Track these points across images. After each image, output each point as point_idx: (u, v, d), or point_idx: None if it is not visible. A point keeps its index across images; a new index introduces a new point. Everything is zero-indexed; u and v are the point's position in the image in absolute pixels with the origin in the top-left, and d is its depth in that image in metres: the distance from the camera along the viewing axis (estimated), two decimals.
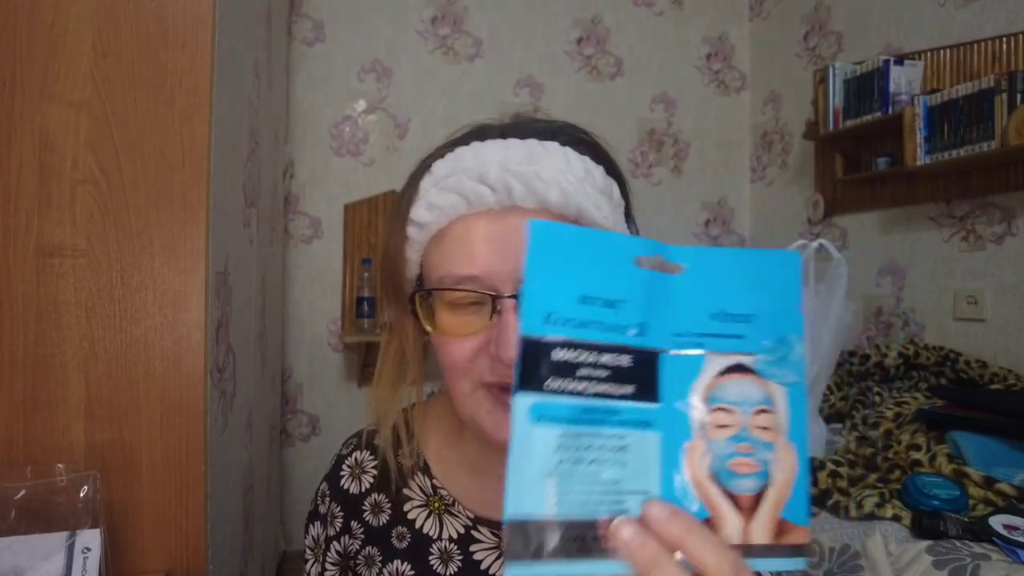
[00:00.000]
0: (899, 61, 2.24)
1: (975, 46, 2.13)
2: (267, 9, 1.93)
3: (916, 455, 1.44)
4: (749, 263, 0.37)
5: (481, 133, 0.56)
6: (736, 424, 0.35)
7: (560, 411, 0.33)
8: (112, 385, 0.95)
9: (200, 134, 0.98)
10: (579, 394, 0.33)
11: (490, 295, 0.50)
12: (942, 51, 2.24)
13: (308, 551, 0.69)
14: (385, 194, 2.86)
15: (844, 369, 2.06)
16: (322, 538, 0.67)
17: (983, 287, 2.13)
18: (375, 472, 0.66)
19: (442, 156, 0.55)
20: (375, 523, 0.65)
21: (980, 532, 1.13)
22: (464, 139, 0.56)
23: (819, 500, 1.36)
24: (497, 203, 0.51)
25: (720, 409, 0.35)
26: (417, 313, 0.53)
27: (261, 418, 1.96)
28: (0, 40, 0.92)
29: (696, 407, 0.35)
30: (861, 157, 2.55)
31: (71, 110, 0.94)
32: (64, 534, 0.81)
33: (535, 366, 0.33)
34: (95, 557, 0.81)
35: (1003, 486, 1.25)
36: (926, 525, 1.17)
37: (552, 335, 0.33)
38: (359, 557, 0.65)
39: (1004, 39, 2.05)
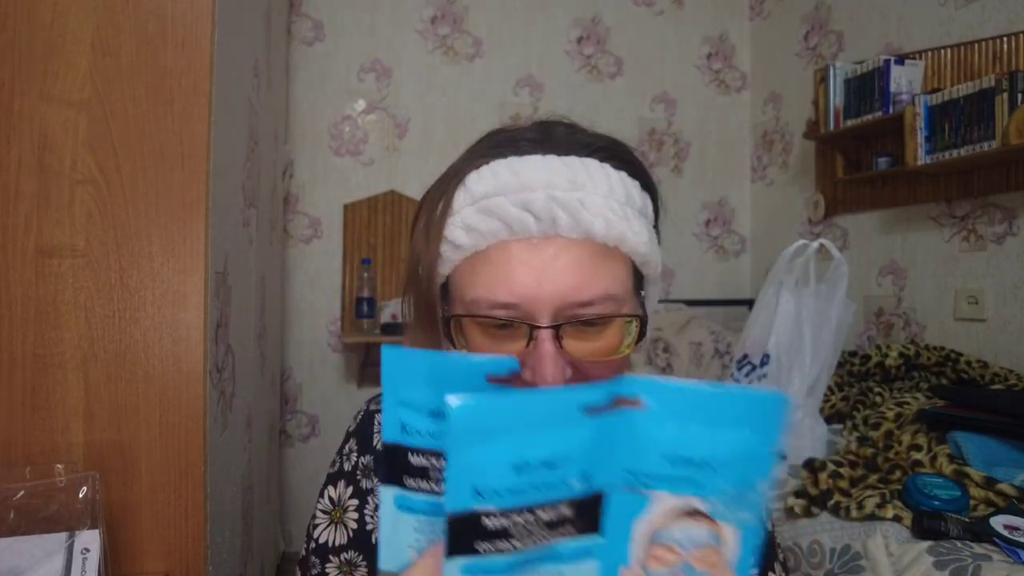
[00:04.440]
0: (900, 61, 2.24)
1: (976, 46, 2.13)
2: (267, 9, 1.93)
3: (917, 455, 1.43)
4: (723, 405, 0.34)
5: (515, 143, 0.54)
6: (676, 561, 0.35)
7: (495, 566, 0.33)
8: (111, 385, 0.95)
9: (199, 134, 0.98)
10: (515, 551, 0.33)
11: (528, 324, 0.49)
12: (943, 51, 2.23)
13: (320, 513, 0.66)
14: (385, 194, 2.86)
15: (845, 369, 2.06)
16: (345, 498, 0.65)
17: (984, 287, 2.13)
18: None
19: (476, 168, 0.52)
20: None
21: (981, 533, 1.13)
22: (498, 149, 0.53)
23: (820, 500, 1.36)
24: (540, 232, 0.49)
25: (662, 546, 0.34)
26: (451, 335, 0.52)
27: (260, 418, 1.96)
28: (0, 40, 0.92)
29: (637, 541, 0.34)
30: (862, 157, 2.55)
31: (70, 110, 0.93)
32: (63, 535, 0.81)
33: (466, 536, 0.32)
34: (94, 558, 0.81)
35: (1004, 486, 1.25)
36: (927, 526, 1.17)
37: (483, 507, 0.32)
38: (375, 517, 0.65)
39: (1005, 39, 2.05)
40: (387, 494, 0.39)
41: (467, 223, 0.51)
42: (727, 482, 0.34)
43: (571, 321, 0.49)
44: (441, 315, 0.54)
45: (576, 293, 0.48)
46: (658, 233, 0.59)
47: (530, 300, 0.48)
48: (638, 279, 0.55)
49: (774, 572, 0.61)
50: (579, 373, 0.50)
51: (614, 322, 0.51)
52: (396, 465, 0.38)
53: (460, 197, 0.52)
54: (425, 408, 0.38)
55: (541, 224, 0.49)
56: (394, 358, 0.38)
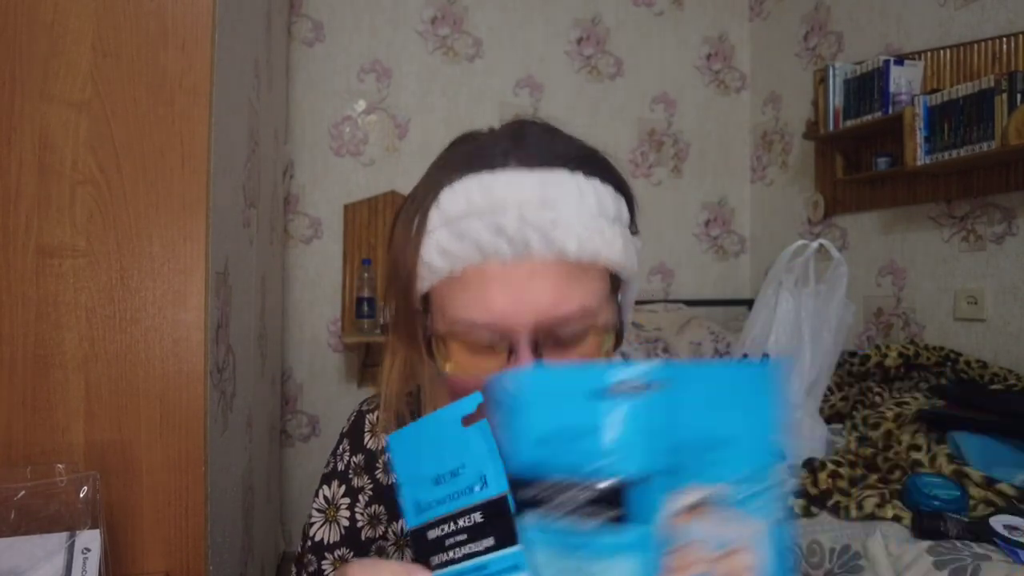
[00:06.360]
0: (899, 61, 2.24)
1: (975, 46, 2.13)
2: (267, 9, 1.93)
3: (917, 455, 1.43)
4: (724, 381, 0.34)
5: (486, 156, 0.53)
6: (701, 568, 0.34)
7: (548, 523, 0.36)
8: (112, 385, 0.95)
9: (200, 134, 0.98)
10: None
11: (507, 341, 0.50)
12: (942, 51, 2.24)
13: (315, 512, 0.68)
14: (385, 194, 2.86)
15: (844, 369, 2.06)
16: (338, 496, 0.68)
17: (983, 287, 2.13)
18: None
19: (450, 184, 0.52)
20: (384, 481, 0.66)
21: (981, 533, 1.13)
22: (470, 163, 0.52)
23: (819, 500, 1.36)
24: (514, 255, 0.49)
25: (686, 548, 0.34)
26: (432, 351, 0.52)
27: (261, 418, 1.96)
28: (0, 40, 0.92)
29: (661, 539, 0.35)
30: (861, 157, 2.55)
31: (71, 110, 0.94)
32: (64, 534, 0.81)
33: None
34: (95, 558, 0.81)
35: (1004, 486, 1.25)
36: (927, 526, 1.17)
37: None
38: (364, 514, 0.67)
39: (1004, 39, 2.05)
40: None
41: (441, 246, 0.51)
42: (744, 461, 0.34)
43: (548, 339, 0.50)
44: (422, 333, 0.54)
45: (553, 310, 0.49)
46: (636, 231, 0.58)
47: (507, 319, 0.49)
48: (614, 281, 0.56)
49: None
50: None
51: (591, 332, 0.51)
52: (420, 551, 0.39)
53: (434, 217, 0.52)
54: (428, 476, 0.39)
55: (514, 247, 0.49)
56: (397, 442, 0.40)
